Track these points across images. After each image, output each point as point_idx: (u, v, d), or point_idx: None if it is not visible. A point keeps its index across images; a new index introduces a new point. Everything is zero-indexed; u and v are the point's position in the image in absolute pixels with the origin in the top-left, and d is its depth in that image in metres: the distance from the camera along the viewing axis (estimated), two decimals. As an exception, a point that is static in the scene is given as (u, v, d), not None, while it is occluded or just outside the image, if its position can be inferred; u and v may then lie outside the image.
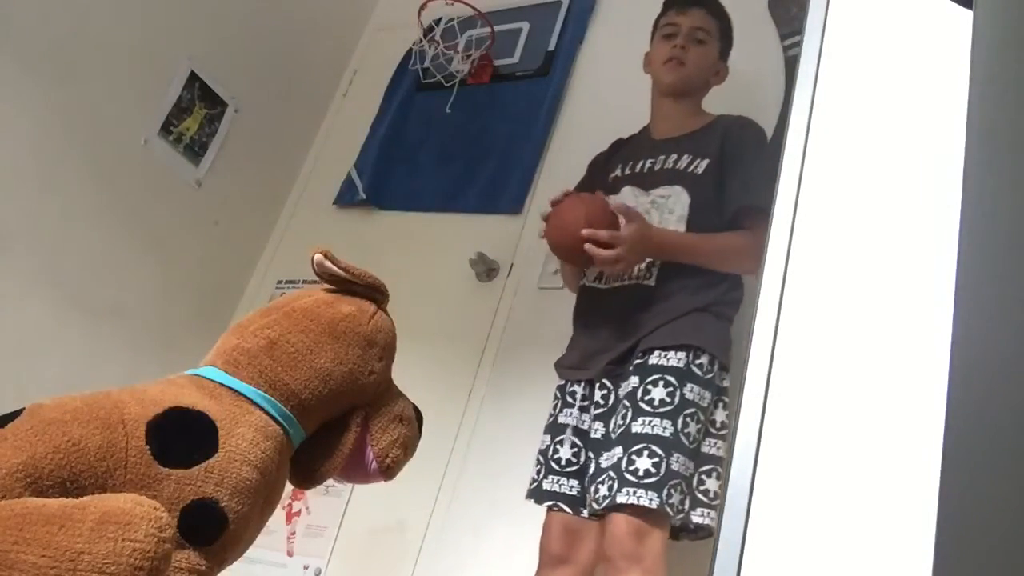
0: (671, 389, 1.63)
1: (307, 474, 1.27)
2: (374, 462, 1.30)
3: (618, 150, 2.09)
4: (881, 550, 0.77)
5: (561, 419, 1.80)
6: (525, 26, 2.99)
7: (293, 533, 2.44)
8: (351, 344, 1.26)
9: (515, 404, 2.19)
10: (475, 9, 2.92)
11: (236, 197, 2.98)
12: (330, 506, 2.42)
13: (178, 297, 2.78)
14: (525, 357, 2.14)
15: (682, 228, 1.81)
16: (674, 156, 1.90)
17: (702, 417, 1.64)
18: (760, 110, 2.30)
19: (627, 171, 1.96)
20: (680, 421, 1.61)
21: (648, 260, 1.80)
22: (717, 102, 2.31)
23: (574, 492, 1.72)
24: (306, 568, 2.38)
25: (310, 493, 2.42)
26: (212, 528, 1.05)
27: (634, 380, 1.68)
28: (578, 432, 1.76)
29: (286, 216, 3.16)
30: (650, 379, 1.65)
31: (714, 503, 1.60)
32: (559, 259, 1.94)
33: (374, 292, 1.33)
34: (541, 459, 1.79)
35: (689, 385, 1.64)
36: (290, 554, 2.42)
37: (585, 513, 1.70)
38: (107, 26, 2.58)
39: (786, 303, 0.92)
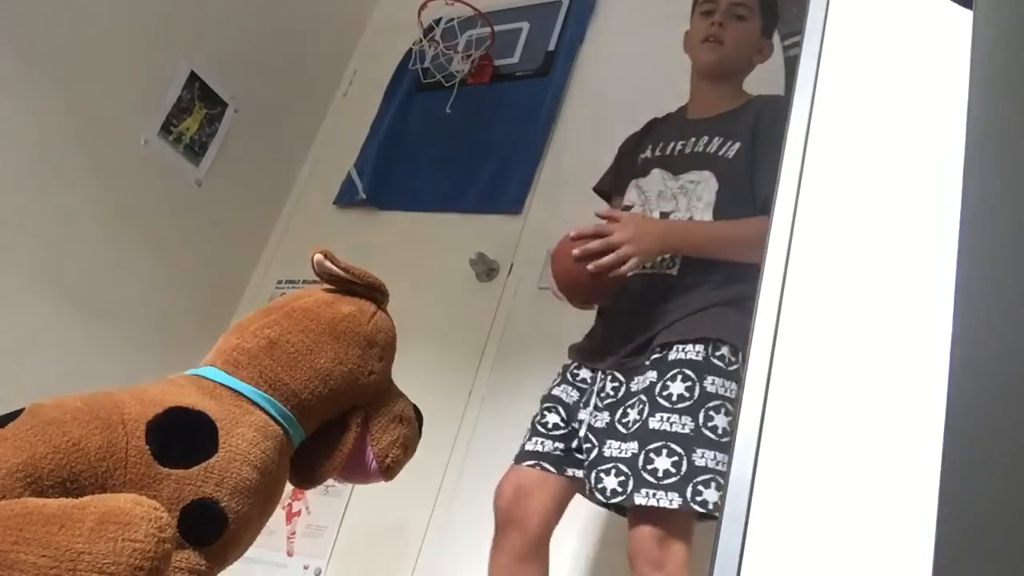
0: (690, 383, 1.58)
1: (307, 474, 1.27)
2: (374, 462, 1.30)
3: (651, 130, 2.02)
4: (881, 550, 0.77)
5: (555, 391, 1.77)
6: (525, 26, 2.99)
7: (293, 533, 2.44)
8: (351, 344, 1.26)
9: (515, 404, 2.19)
10: (475, 9, 2.92)
11: (236, 197, 2.98)
12: (330, 506, 2.42)
13: (178, 297, 2.78)
14: (525, 357, 2.14)
15: (708, 216, 1.75)
16: (705, 139, 1.84)
17: (731, 408, 1.56)
18: (760, 110, 2.30)
19: (657, 152, 1.90)
20: (703, 415, 1.55)
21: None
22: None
23: (558, 452, 1.69)
24: (306, 568, 2.38)
25: (310, 493, 2.42)
26: (212, 528, 1.05)
27: (652, 375, 1.63)
28: (567, 408, 1.73)
29: (286, 216, 3.16)
30: (669, 374, 1.61)
31: None
32: (585, 303, 1.83)
33: (374, 292, 1.33)
34: (529, 426, 1.77)
35: (710, 378, 1.58)
36: (290, 554, 2.42)
37: (569, 472, 1.67)
38: (107, 26, 2.58)
39: (786, 303, 0.92)
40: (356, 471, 1.31)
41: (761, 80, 2.34)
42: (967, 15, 0.96)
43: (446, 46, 3.03)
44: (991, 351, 0.77)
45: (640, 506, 1.52)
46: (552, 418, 1.74)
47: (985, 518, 0.71)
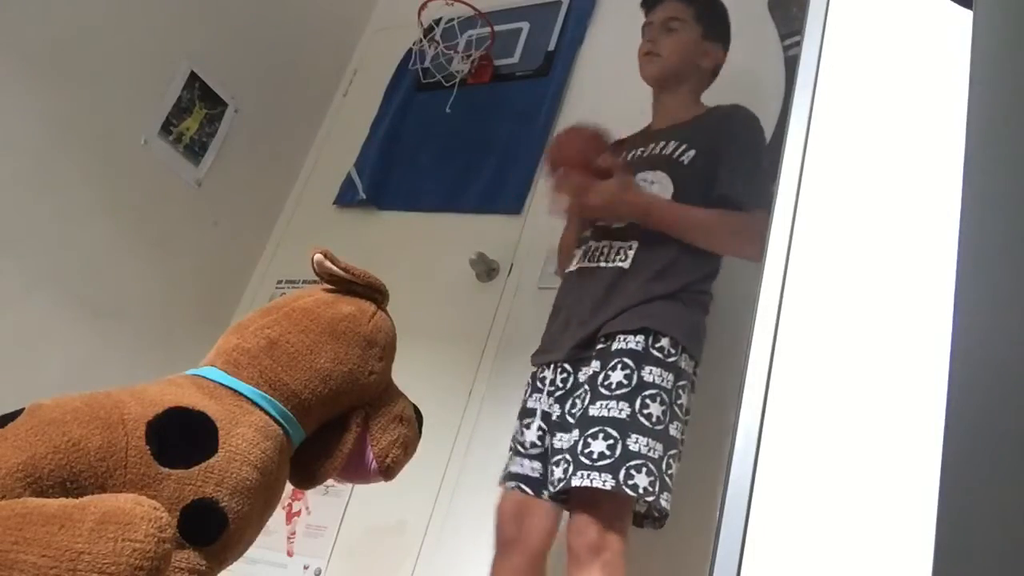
0: (628, 371, 1.63)
1: (307, 474, 1.27)
2: (374, 462, 1.30)
3: (619, 144, 2.08)
4: (881, 550, 0.77)
5: (530, 404, 1.81)
6: (525, 26, 2.99)
7: (293, 533, 2.44)
8: (351, 344, 1.26)
9: (515, 404, 2.19)
10: (475, 9, 2.92)
11: (236, 197, 2.98)
12: (330, 506, 2.42)
13: (178, 297, 2.78)
14: (525, 357, 2.13)
15: None
16: (662, 143, 1.91)
17: (667, 399, 1.63)
18: (760, 110, 2.30)
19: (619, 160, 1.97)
20: (639, 402, 1.60)
21: (627, 244, 1.81)
22: (717, 100, 2.30)
23: (536, 474, 1.73)
24: (306, 568, 2.38)
25: (310, 493, 2.42)
26: (212, 528, 1.05)
27: (595, 365, 1.68)
28: (545, 416, 1.77)
29: (286, 216, 3.16)
30: (611, 364, 1.66)
31: (672, 489, 1.59)
32: (553, 189, 1.94)
33: (374, 292, 1.33)
34: (511, 444, 1.82)
35: (648, 367, 1.63)
36: (290, 554, 2.42)
37: (545, 495, 1.71)
38: (107, 26, 2.58)
39: (786, 303, 0.92)
40: (356, 471, 1.31)
41: (761, 80, 2.35)
42: (967, 15, 0.96)
43: (446, 46, 3.03)
44: (991, 351, 0.77)
45: (577, 488, 1.56)
46: (529, 436, 1.77)
47: (985, 517, 0.71)
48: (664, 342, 1.67)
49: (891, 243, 0.91)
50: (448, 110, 2.93)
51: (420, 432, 1.41)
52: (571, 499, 1.64)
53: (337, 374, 1.23)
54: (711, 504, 0.85)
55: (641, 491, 1.54)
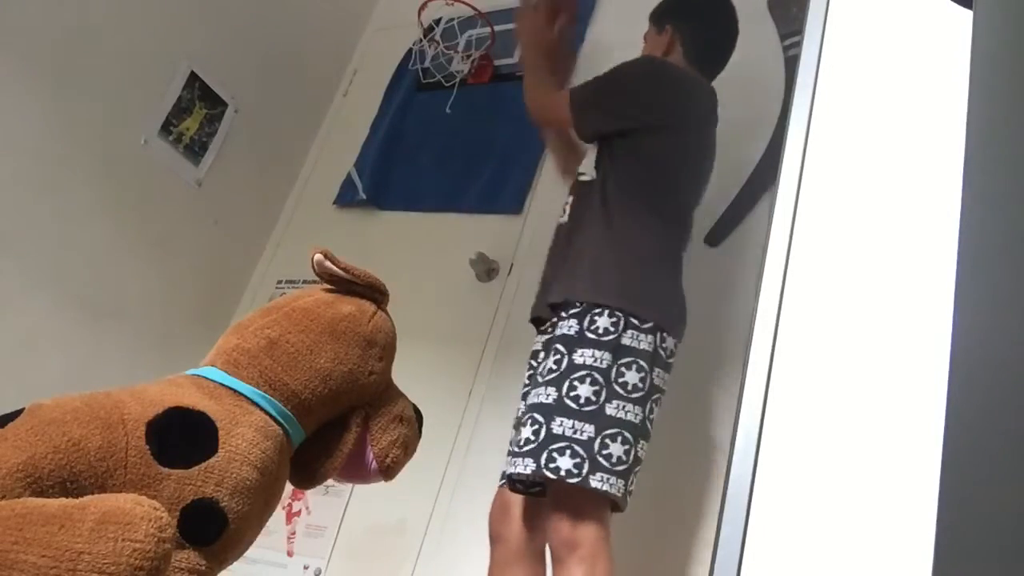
0: (559, 356, 1.63)
1: (307, 474, 1.27)
2: (374, 462, 1.30)
3: None
4: (881, 550, 0.77)
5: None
6: (525, 26, 2.98)
7: (293, 533, 2.44)
8: (351, 344, 1.26)
9: (515, 404, 2.18)
10: (475, 9, 2.92)
11: (236, 197, 2.98)
12: (330, 506, 2.42)
13: (178, 297, 2.78)
14: (525, 357, 2.13)
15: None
16: None
17: (599, 379, 1.59)
18: (760, 110, 2.30)
19: None
20: (566, 385, 1.59)
21: (568, 199, 1.92)
22: (718, 101, 2.28)
23: None
24: (306, 568, 2.38)
25: (310, 493, 2.42)
26: (212, 528, 1.05)
27: (541, 354, 1.73)
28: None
29: (286, 216, 3.16)
30: (548, 350, 1.68)
31: (617, 468, 1.55)
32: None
33: (374, 292, 1.33)
34: None
35: (579, 350, 1.62)
36: (290, 554, 2.42)
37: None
38: (107, 26, 2.58)
39: (786, 303, 0.92)
40: (356, 471, 1.31)
41: (762, 80, 2.35)
42: (967, 15, 0.96)
43: (446, 46, 3.03)
44: (991, 351, 0.77)
45: (510, 476, 1.61)
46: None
47: (985, 518, 0.71)
48: (602, 321, 1.64)
49: (891, 243, 0.91)
50: (448, 110, 2.93)
51: (420, 432, 1.41)
52: (548, 498, 1.64)
53: (337, 374, 1.23)
54: (711, 500, 0.85)
55: (563, 473, 1.52)
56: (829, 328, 0.89)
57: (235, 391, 1.16)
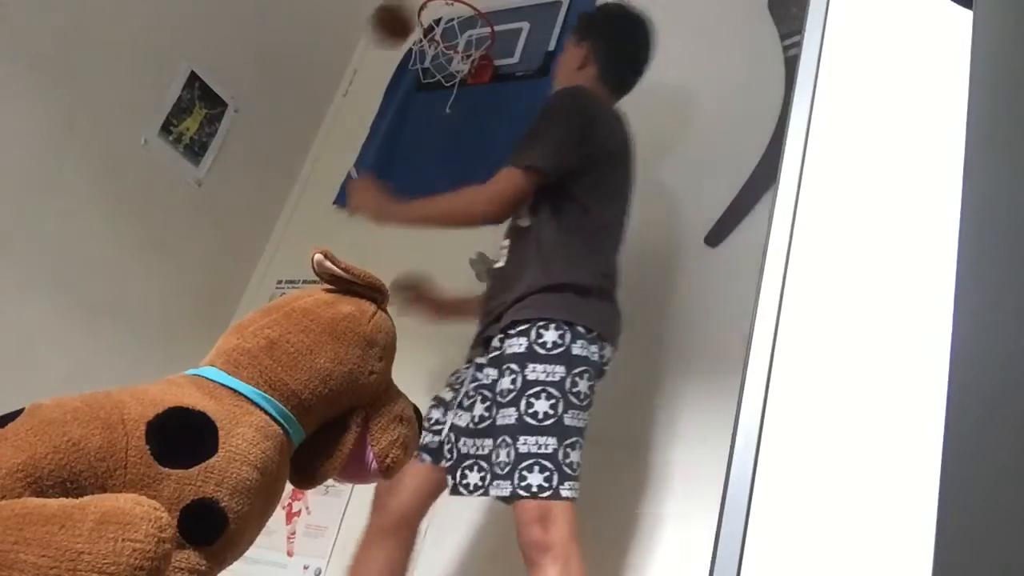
0: (513, 376, 1.68)
1: (307, 474, 1.27)
2: (374, 462, 1.30)
3: None
4: (881, 550, 0.77)
5: (441, 394, 1.91)
6: (525, 26, 2.99)
7: (293, 533, 2.44)
8: (351, 344, 1.25)
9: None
10: (475, 9, 2.92)
11: (236, 197, 2.98)
12: (330, 506, 2.42)
13: (178, 297, 2.78)
14: (525, 357, 2.13)
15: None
16: None
17: (555, 392, 1.65)
18: (760, 110, 2.30)
19: None
20: (523, 403, 1.64)
21: (505, 243, 1.95)
22: (717, 103, 2.30)
23: (434, 445, 1.80)
24: (306, 568, 2.38)
25: (310, 493, 2.42)
26: (212, 528, 1.05)
27: (492, 372, 1.74)
28: (442, 402, 1.87)
29: (286, 216, 3.16)
30: (501, 369, 1.72)
31: (576, 473, 1.63)
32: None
33: (374, 292, 1.33)
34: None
35: (531, 366, 1.67)
36: (290, 554, 2.42)
37: (443, 464, 1.77)
38: (107, 26, 2.58)
39: (786, 303, 0.92)
40: (356, 471, 1.31)
41: (762, 80, 2.35)
42: (967, 15, 0.96)
43: (446, 46, 3.03)
44: (991, 351, 0.77)
45: (496, 496, 1.64)
46: (435, 414, 1.86)
47: (985, 518, 0.71)
48: (549, 335, 1.69)
49: (891, 243, 0.91)
50: (448, 110, 2.93)
51: (420, 432, 1.41)
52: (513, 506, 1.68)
53: (337, 374, 1.23)
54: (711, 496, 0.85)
55: (535, 489, 1.58)
56: (829, 328, 0.89)
57: (235, 391, 1.16)
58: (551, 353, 1.67)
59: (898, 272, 0.89)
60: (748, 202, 2.27)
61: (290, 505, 2.47)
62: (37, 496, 0.92)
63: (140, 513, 0.88)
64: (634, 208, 2.40)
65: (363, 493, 2.35)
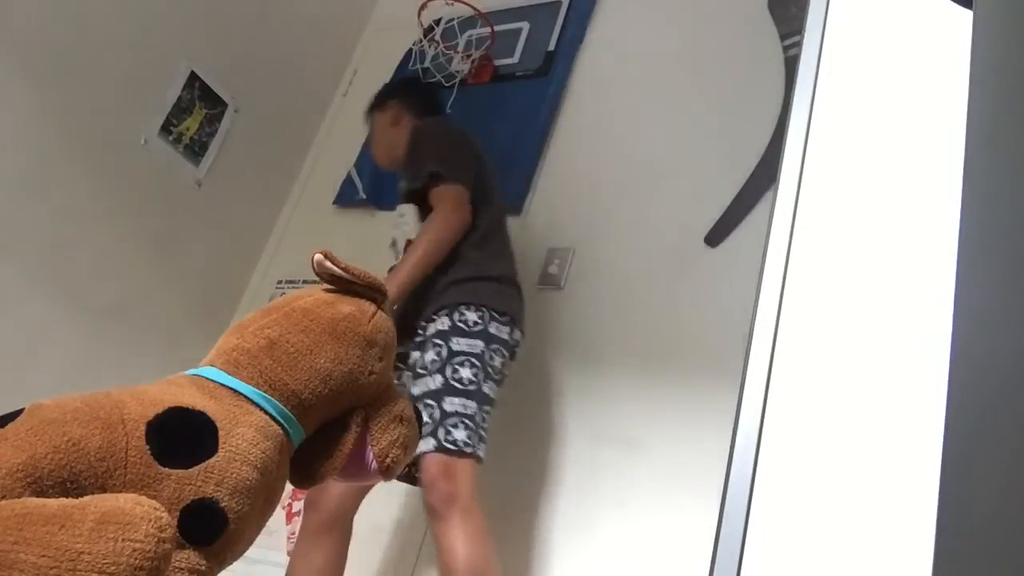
0: (439, 348, 1.88)
1: (307, 474, 1.27)
2: (374, 462, 1.30)
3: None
4: (881, 550, 0.77)
5: None
6: (525, 26, 2.99)
7: (293, 533, 2.44)
8: (351, 344, 1.25)
9: (514, 404, 2.19)
10: (475, 9, 2.92)
11: (236, 197, 2.98)
12: (330, 506, 2.42)
13: (178, 297, 2.78)
14: (524, 357, 2.14)
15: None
16: (400, 182, 2.22)
17: (477, 363, 1.85)
18: (760, 110, 2.30)
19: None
20: (449, 369, 1.83)
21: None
22: (717, 104, 2.30)
23: None
24: (306, 568, 2.38)
25: (310, 493, 2.42)
26: (212, 528, 1.05)
27: (415, 354, 1.93)
28: None
29: (286, 216, 3.16)
30: (425, 346, 1.90)
31: (485, 438, 1.82)
32: None
33: (374, 292, 1.33)
34: None
35: (455, 339, 1.87)
36: (290, 554, 2.42)
37: None
38: (107, 26, 2.58)
39: (786, 303, 0.92)
40: (356, 471, 1.31)
41: (762, 80, 2.35)
42: (967, 15, 0.96)
43: (446, 46, 3.03)
44: (991, 351, 0.77)
45: (421, 454, 1.76)
46: None
47: (985, 518, 0.71)
48: (470, 315, 1.90)
49: (891, 243, 0.91)
50: (448, 110, 2.93)
51: (420, 432, 1.41)
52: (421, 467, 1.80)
53: (337, 374, 1.23)
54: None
55: (461, 444, 1.75)
56: (829, 328, 0.89)
57: (235, 391, 1.16)
58: (472, 330, 1.88)
59: (898, 272, 0.89)
60: (748, 202, 2.27)
61: (290, 505, 2.47)
62: (37, 496, 0.92)
63: (140, 513, 0.88)
64: (634, 208, 2.41)
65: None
